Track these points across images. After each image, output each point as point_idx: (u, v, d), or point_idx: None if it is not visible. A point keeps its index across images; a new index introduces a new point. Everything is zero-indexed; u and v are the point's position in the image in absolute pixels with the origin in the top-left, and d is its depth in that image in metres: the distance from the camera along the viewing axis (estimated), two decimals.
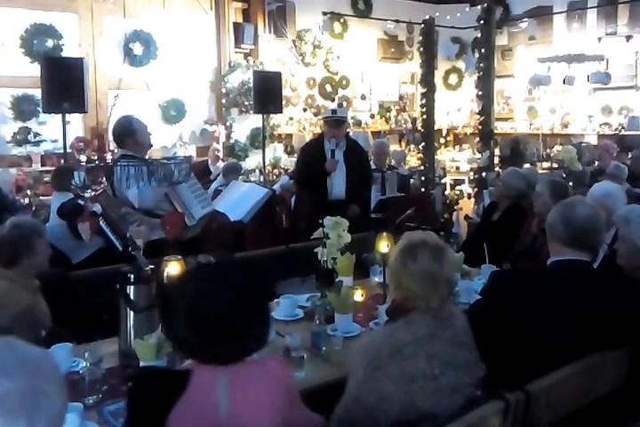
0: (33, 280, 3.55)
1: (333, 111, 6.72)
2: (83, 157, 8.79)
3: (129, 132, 4.79)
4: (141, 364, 2.87)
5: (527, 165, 9.32)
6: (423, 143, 10.52)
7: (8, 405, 1.27)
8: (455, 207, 9.04)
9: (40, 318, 3.34)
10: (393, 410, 2.26)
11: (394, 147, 12.42)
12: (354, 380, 2.36)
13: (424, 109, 10.44)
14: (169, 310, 2.10)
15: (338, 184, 6.39)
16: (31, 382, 1.32)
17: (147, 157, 4.99)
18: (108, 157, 8.64)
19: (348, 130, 7.41)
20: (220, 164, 9.09)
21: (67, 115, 7.41)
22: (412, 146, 12.85)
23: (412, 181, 9.43)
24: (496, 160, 9.78)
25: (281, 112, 9.91)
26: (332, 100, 12.60)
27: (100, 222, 3.54)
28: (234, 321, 2.03)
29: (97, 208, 4.76)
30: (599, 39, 12.25)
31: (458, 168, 12.89)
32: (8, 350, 1.37)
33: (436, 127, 10.97)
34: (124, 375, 2.92)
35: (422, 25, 10.58)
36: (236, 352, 2.07)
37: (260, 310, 2.15)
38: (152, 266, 3.22)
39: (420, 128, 10.90)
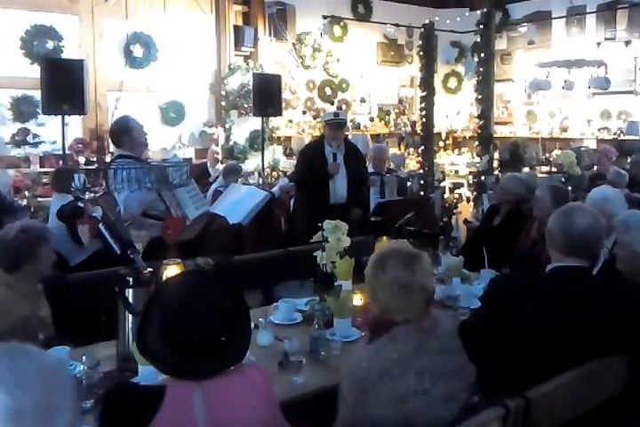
0: (36, 285, 3.52)
1: (335, 114, 6.75)
2: (81, 159, 8.80)
3: (125, 131, 4.89)
4: (139, 367, 2.86)
5: (526, 170, 9.33)
6: (422, 147, 10.51)
7: (22, 422, 1.24)
8: (454, 211, 9.04)
9: (36, 328, 3.31)
10: None
11: (393, 150, 12.41)
12: (344, 406, 2.30)
13: (423, 113, 10.43)
14: (143, 319, 2.05)
15: (340, 188, 6.43)
16: (47, 396, 1.29)
17: (144, 157, 5.02)
18: (108, 158, 8.64)
19: (346, 133, 7.44)
20: (219, 166, 9.09)
21: (66, 116, 7.40)
22: (412, 149, 12.85)
23: (408, 183, 9.42)
24: (495, 164, 9.77)
25: (280, 115, 9.91)
26: (332, 103, 12.59)
27: (100, 226, 3.54)
28: (211, 335, 1.98)
29: (97, 213, 4.75)
30: (598, 44, 12.24)
31: (457, 172, 12.88)
32: (25, 360, 1.33)
33: (435, 131, 10.96)
34: (122, 378, 2.92)
35: (422, 29, 10.58)
36: (212, 367, 2.01)
37: (241, 321, 2.09)
38: (151, 269, 3.21)
39: (419, 131, 10.89)
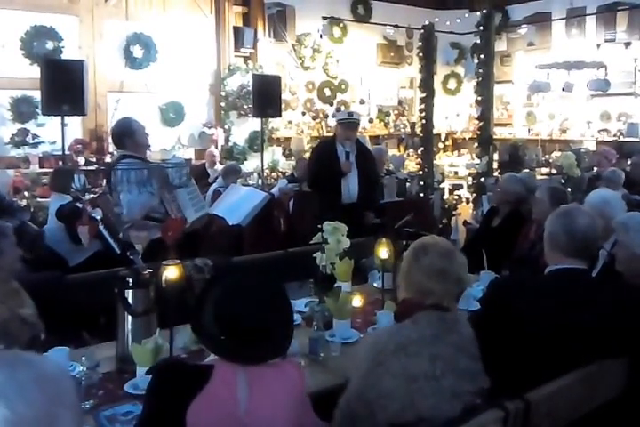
0: (10, 284, 3.45)
1: (350, 114, 6.78)
2: (81, 159, 8.80)
3: (128, 133, 4.85)
4: (137, 369, 2.86)
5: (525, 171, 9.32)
6: (422, 148, 10.51)
7: None
8: (454, 212, 9.04)
9: (18, 331, 3.27)
10: (391, 407, 2.26)
11: (392, 151, 12.42)
12: (357, 374, 2.39)
13: (423, 114, 10.43)
14: (200, 304, 2.14)
15: (352, 187, 6.47)
16: (47, 407, 1.25)
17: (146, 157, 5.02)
18: (107, 159, 8.65)
19: None
20: (218, 167, 9.09)
21: (65, 117, 7.40)
22: (411, 150, 12.87)
23: (407, 184, 9.42)
24: (495, 166, 9.77)
25: (280, 116, 9.92)
26: (331, 105, 12.61)
27: (100, 227, 3.54)
28: (261, 322, 2.09)
29: (97, 214, 4.75)
30: (598, 46, 12.26)
31: (456, 173, 12.90)
32: (26, 370, 1.29)
33: (434, 132, 10.96)
34: (121, 380, 2.92)
35: (422, 30, 10.59)
36: (259, 353, 2.10)
37: (287, 314, 2.22)
38: (150, 270, 3.21)
39: (418, 133, 10.90)
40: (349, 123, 6.54)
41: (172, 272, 3.09)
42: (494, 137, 10.11)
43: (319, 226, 4.04)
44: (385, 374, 2.29)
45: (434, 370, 2.27)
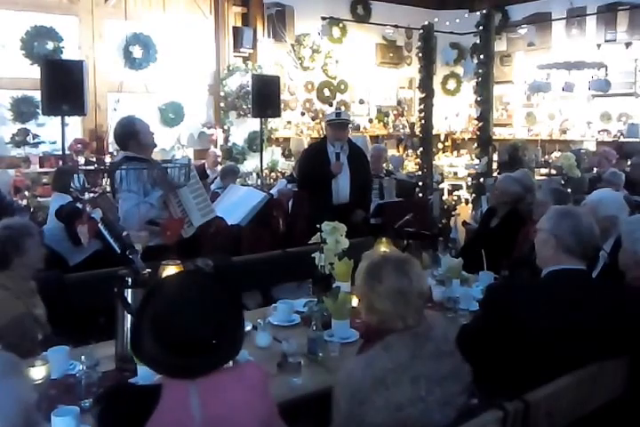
0: (29, 282, 3.54)
1: (337, 114, 6.75)
2: (81, 159, 8.80)
3: (132, 134, 4.58)
4: (138, 367, 2.87)
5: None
6: (421, 148, 10.51)
7: None
8: (453, 213, 9.04)
9: (31, 327, 3.33)
10: None
11: (392, 152, 12.41)
12: (338, 413, 2.29)
13: (422, 114, 10.42)
14: (138, 322, 2.05)
15: (342, 188, 6.41)
16: None
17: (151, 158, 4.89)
18: (107, 159, 8.65)
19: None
20: (219, 168, 9.10)
21: (66, 117, 7.41)
22: (410, 151, 12.87)
23: (417, 189, 9.45)
24: (494, 166, 9.76)
25: (279, 116, 9.93)
26: (330, 105, 12.61)
27: (100, 226, 3.53)
28: (204, 335, 1.99)
29: (96, 214, 4.73)
30: (598, 46, 12.25)
31: (456, 173, 12.89)
32: None
33: (434, 132, 10.95)
34: (121, 378, 2.93)
35: (421, 30, 10.58)
36: (205, 366, 2.01)
37: (234, 320, 2.08)
38: (149, 270, 3.22)
39: (418, 133, 10.89)
40: (338, 123, 6.50)
41: (171, 272, 3.10)
42: (494, 137, 10.10)
43: (313, 227, 4.04)
44: (369, 410, 2.22)
45: (418, 392, 2.22)
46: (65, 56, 9.05)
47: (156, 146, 4.96)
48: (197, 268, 4.16)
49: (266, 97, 9.09)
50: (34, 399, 1.51)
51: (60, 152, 7.88)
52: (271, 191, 7.50)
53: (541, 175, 10.20)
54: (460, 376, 2.35)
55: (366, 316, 2.45)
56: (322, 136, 11.52)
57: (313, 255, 4.01)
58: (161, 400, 1.95)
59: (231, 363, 2.16)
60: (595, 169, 9.21)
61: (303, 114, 12.28)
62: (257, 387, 2.09)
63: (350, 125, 7.59)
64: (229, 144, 10.88)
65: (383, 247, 4.05)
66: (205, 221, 4.79)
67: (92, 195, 4.36)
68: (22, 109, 8.88)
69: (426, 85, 10.36)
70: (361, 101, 13.30)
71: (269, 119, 10.47)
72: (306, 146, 11.28)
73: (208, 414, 1.96)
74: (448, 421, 2.25)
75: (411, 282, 2.33)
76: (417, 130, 11.08)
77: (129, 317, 3.12)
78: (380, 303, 2.34)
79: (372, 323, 2.42)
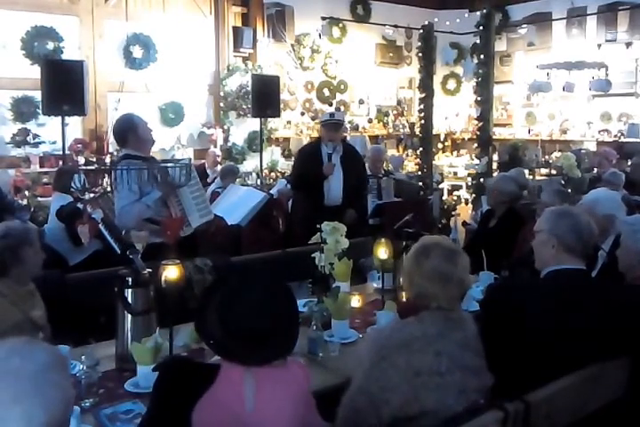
0: (27, 285, 3.51)
1: (331, 115, 6.74)
2: (81, 159, 8.80)
3: (130, 128, 4.67)
4: (138, 367, 2.87)
5: (526, 172, 9.32)
6: (421, 148, 10.51)
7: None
8: (453, 213, 9.03)
9: (29, 333, 3.31)
10: (395, 401, 2.27)
11: (391, 152, 12.42)
12: (360, 369, 2.39)
13: (422, 114, 10.43)
14: (203, 307, 2.12)
15: (335, 189, 6.37)
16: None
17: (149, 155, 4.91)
18: (107, 159, 8.65)
19: (345, 134, 7.39)
20: (219, 168, 9.10)
21: (66, 117, 7.41)
22: (410, 151, 12.87)
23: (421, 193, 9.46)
24: (494, 166, 9.77)
25: (279, 116, 9.93)
26: (330, 105, 12.61)
27: (100, 226, 3.54)
28: (266, 325, 2.05)
29: (97, 215, 4.73)
30: (599, 46, 12.27)
31: (455, 174, 12.91)
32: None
33: (434, 132, 10.96)
34: (121, 378, 2.94)
35: (421, 30, 10.59)
36: (265, 355, 2.08)
37: (291, 314, 2.18)
38: (150, 269, 3.22)
39: (417, 133, 10.90)
40: (330, 124, 6.45)
41: (171, 272, 3.10)
42: (494, 137, 10.11)
43: (307, 228, 4.04)
44: (389, 369, 2.30)
45: (438, 366, 2.29)
46: (65, 56, 9.05)
47: (154, 142, 5.00)
48: (197, 267, 4.17)
49: (265, 97, 9.10)
50: (73, 395, 1.52)
51: (61, 152, 7.89)
52: (271, 191, 7.50)
53: (541, 175, 10.22)
54: (481, 377, 2.39)
55: (406, 290, 2.60)
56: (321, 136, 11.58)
57: (313, 255, 4.01)
58: (218, 379, 2.04)
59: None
60: (595, 169, 9.21)
61: (303, 114, 12.28)
62: (301, 386, 2.17)
63: (348, 125, 7.55)
64: (229, 144, 10.88)
65: (382, 248, 4.04)
66: (204, 222, 4.81)
67: (92, 195, 4.36)
68: (22, 109, 8.88)
69: (426, 85, 10.37)
70: (361, 101, 13.30)
71: (269, 119, 10.48)
72: None
73: (258, 402, 2.02)
74: (459, 408, 2.28)
75: (455, 268, 2.43)
76: (417, 130, 11.09)
77: (129, 316, 3.13)
78: (420, 278, 2.45)
79: (410, 296, 2.56)
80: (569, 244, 2.79)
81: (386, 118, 13.69)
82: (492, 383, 2.41)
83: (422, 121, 10.43)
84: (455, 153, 14.35)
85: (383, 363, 2.32)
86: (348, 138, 10.89)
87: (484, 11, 9.63)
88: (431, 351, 2.30)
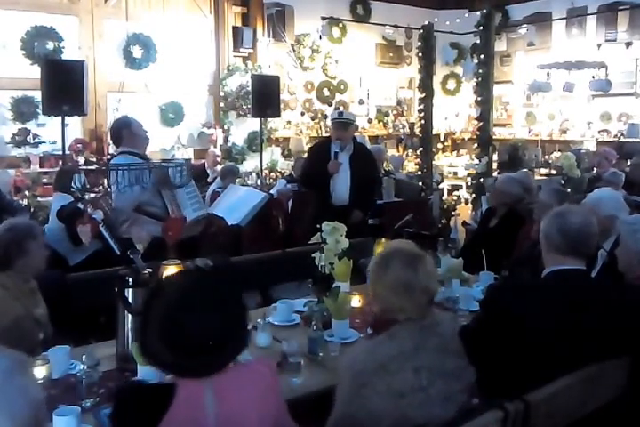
0: (30, 282, 3.54)
1: (340, 113, 6.73)
2: (81, 159, 8.81)
3: (124, 125, 4.99)
4: (138, 367, 2.87)
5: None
6: (421, 148, 10.52)
7: None
8: (453, 213, 9.03)
9: (31, 329, 3.34)
10: (386, 422, 2.24)
11: (391, 152, 12.42)
12: (341, 398, 2.33)
13: (422, 114, 10.45)
14: (143, 320, 2.02)
15: (341, 189, 6.34)
16: None
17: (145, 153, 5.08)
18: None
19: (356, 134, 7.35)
20: (219, 168, 9.10)
21: (66, 117, 7.41)
22: (410, 151, 12.88)
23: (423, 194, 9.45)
24: (494, 166, 9.77)
25: (279, 116, 9.92)
26: (330, 105, 12.62)
27: (101, 227, 3.55)
28: (211, 334, 1.96)
29: (98, 215, 4.75)
30: (599, 46, 12.28)
31: (455, 174, 12.91)
32: None
33: (433, 132, 10.97)
34: (122, 378, 2.94)
35: (421, 30, 10.60)
36: (213, 365, 2.00)
37: (238, 317, 2.06)
38: (150, 269, 3.22)
39: (417, 133, 10.91)
40: (339, 122, 6.45)
41: (171, 272, 3.10)
42: (494, 137, 10.11)
43: (313, 227, 4.04)
44: (373, 396, 2.24)
45: (420, 381, 2.25)
46: (65, 56, 9.06)
47: (148, 139, 5.21)
48: (196, 267, 4.17)
49: (265, 97, 9.09)
50: (42, 398, 1.51)
51: (61, 152, 7.88)
52: (271, 191, 7.49)
53: (541, 175, 10.22)
54: (463, 376, 2.37)
55: (372, 303, 2.52)
56: (321, 136, 11.60)
57: (313, 255, 4.00)
58: (175, 399, 1.94)
59: (242, 358, 2.20)
60: (595, 169, 9.20)
61: (303, 114, 12.29)
62: (267, 380, 2.11)
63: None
64: (229, 144, 10.89)
65: (382, 248, 4.04)
66: (203, 223, 4.85)
67: (92, 195, 4.38)
68: (22, 109, 8.89)
69: (426, 85, 10.38)
70: (360, 101, 13.31)
71: (269, 119, 10.48)
72: (305, 146, 11.31)
73: (222, 411, 1.97)
74: (448, 415, 2.26)
75: (417, 276, 2.35)
76: (417, 130, 11.11)
77: (130, 316, 3.13)
78: (384, 292, 2.39)
79: (376, 311, 2.49)
80: (556, 244, 2.80)
81: (386, 118, 13.70)
82: (487, 385, 2.40)
83: (422, 121, 10.44)
84: (455, 153, 14.35)
85: (364, 390, 2.25)
86: None
87: (484, 11, 9.65)
88: (409, 368, 2.26)
